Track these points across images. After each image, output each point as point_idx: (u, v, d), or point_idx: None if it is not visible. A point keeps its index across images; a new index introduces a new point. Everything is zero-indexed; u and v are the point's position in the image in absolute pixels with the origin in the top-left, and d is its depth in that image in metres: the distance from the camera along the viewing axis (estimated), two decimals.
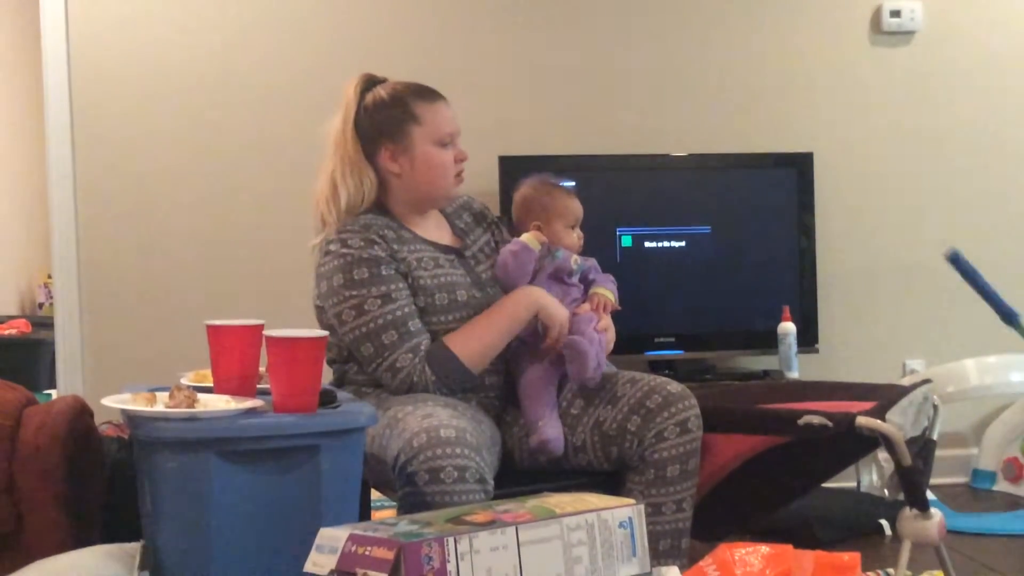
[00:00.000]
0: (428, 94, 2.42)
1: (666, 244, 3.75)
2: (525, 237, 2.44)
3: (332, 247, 2.31)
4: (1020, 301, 4.03)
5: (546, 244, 2.47)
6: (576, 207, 2.52)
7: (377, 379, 2.31)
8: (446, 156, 2.39)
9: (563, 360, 2.36)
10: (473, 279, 2.42)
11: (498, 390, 2.41)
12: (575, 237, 2.51)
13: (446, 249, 2.43)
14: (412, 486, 2.01)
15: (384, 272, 2.28)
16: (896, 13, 3.95)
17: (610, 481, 2.34)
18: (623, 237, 3.71)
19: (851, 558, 2.04)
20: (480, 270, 2.46)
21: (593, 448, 2.34)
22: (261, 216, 3.68)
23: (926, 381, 2.51)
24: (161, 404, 1.89)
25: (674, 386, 2.32)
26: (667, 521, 2.28)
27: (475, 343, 2.31)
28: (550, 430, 2.31)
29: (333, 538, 1.56)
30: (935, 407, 2.51)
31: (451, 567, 1.49)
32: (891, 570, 2.84)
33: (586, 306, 2.44)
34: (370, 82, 2.43)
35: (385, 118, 2.38)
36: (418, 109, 2.38)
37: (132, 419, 1.90)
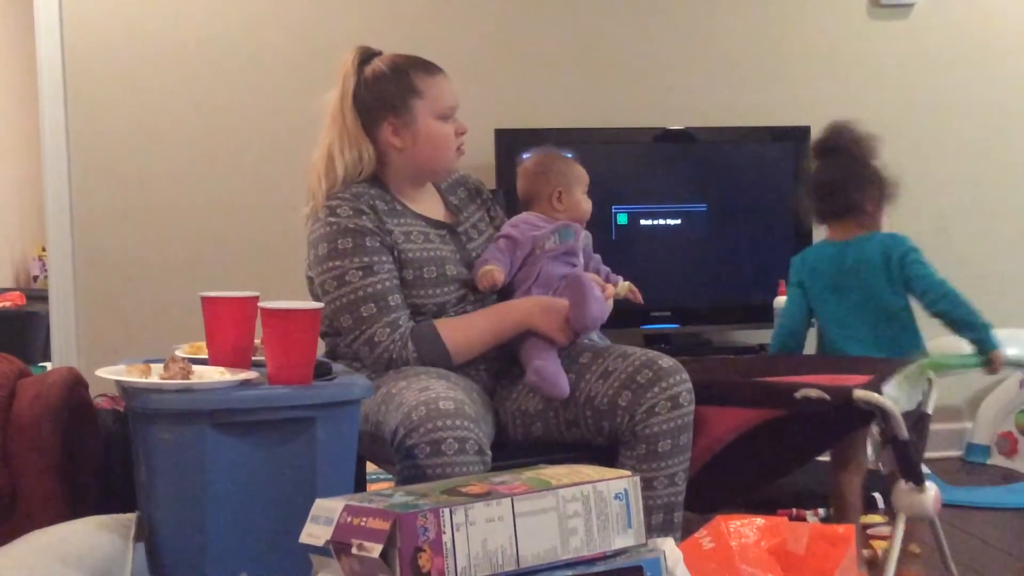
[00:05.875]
0: (428, 67, 2.40)
1: (662, 222, 3.74)
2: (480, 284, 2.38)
3: (321, 215, 2.31)
4: (1016, 273, 4.04)
5: (560, 225, 2.44)
6: (586, 174, 2.54)
7: (355, 352, 2.30)
8: (447, 130, 2.38)
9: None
10: (463, 255, 2.41)
11: (488, 363, 2.40)
12: (589, 204, 2.51)
13: (438, 224, 2.42)
14: (412, 459, 2.01)
15: (368, 244, 2.27)
16: None
17: (606, 453, 2.33)
18: (619, 215, 3.70)
19: (846, 530, 2.05)
20: (472, 247, 2.44)
21: (585, 423, 2.33)
22: (257, 188, 3.67)
23: (922, 354, 2.51)
24: (156, 376, 1.88)
25: (665, 360, 2.30)
26: (660, 495, 2.27)
27: (465, 339, 2.31)
28: (541, 361, 2.29)
29: (329, 509, 1.56)
30: (930, 381, 2.51)
31: (446, 538, 1.49)
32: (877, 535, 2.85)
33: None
34: (367, 54, 2.41)
35: (387, 91, 2.36)
36: (420, 82, 2.36)
37: (127, 391, 1.90)
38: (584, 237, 2.50)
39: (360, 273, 2.26)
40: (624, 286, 2.49)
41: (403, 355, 2.26)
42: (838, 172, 2.82)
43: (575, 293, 2.31)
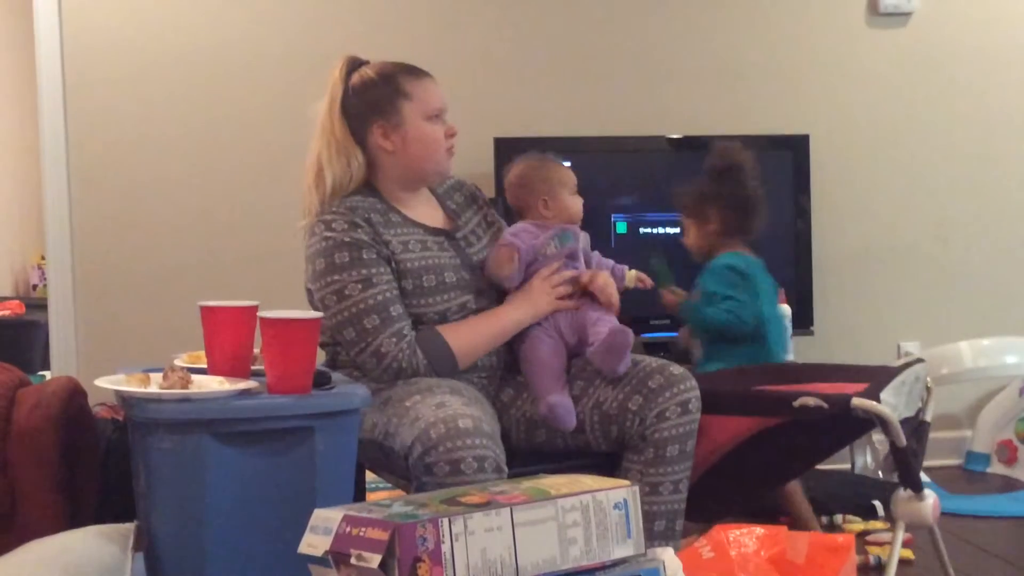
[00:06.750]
0: (415, 71, 2.42)
1: (661, 230, 3.73)
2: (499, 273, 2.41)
3: (317, 230, 2.31)
4: (1016, 281, 4.04)
5: (557, 231, 2.46)
6: (571, 173, 2.55)
7: (360, 364, 2.30)
8: (437, 131, 2.39)
9: (570, 338, 2.39)
10: (463, 261, 2.41)
11: (491, 371, 2.40)
12: (579, 203, 2.52)
13: (435, 231, 2.42)
14: (431, 476, 2.01)
15: (365, 256, 2.27)
16: None
17: (605, 463, 2.34)
18: (618, 224, 3.70)
19: (845, 539, 2.05)
20: (471, 252, 2.45)
21: (592, 428, 2.34)
22: (256, 196, 3.67)
23: (918, 360, 2.51)
24: (155, 385, 1.88)
25: (675, 368, 2.33)
26: (664, 502, 2.28)
27: (469, 343, 2.32)
28: (558, 398, 2.31)
29: (327, 519, 1.56)
30: (928, 388, 2.51)
31: (445, 548, 1.49)
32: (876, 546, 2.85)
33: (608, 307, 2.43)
34: (355, 63, 2.43)
35: (375, 96, 2.37)
36: (407, 85, 2.38)
37: (126, 400, 1.90)
38: (583, 238, 2.51)
39: (360, 286, 2.26)
40: (632, 276, 2.56)
41: (413, 363, 2.26)
42: (756, 193, 2.95)
43: (615, 348, 2.31)
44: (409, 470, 2.08)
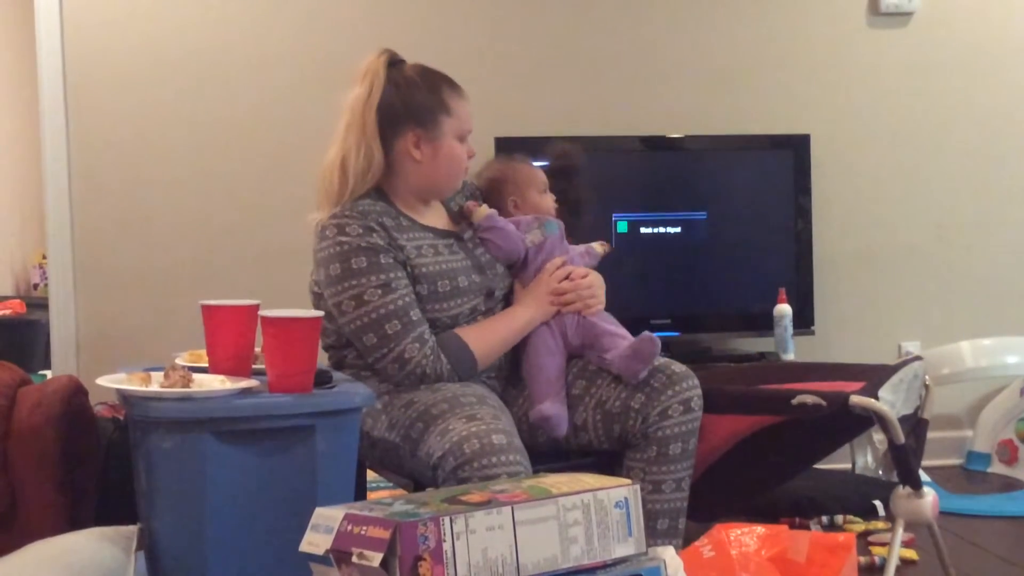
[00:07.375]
0: (457, 87, 2.40)
1: (662, 230, 3.74)
2: (476, 217, 2.44)
3: (328, 233, 2.27)
4: (1014, 284, 4.04)
5: (540, 219, 2.47)
6: (539, 172, 2.56)
7: (380, 370, 2.29)
8: (463, 152, 2.39)
9: (574, 339, 2.39)
10: (473, 263, 2.41)
11: (499, 371, 2.42)
12: (550, 200, 2.54)
13: (444, 234, 2.42)
14: None
15: (383, 261, 2.26)
16: None
17: (606, 462, 2.34)
18: (619, 223, 3.70)
19: (846, 539, 2.05)
20: (479, 253, 2.45)
21: (594, 427, 2.34)
22: (257, 196, 3.67)
23: (916, 358, 2.51)
24: (156, 384, 1.88)
25: (677, 366, 2.33)
26: (667, 500, 2.28)
27: (487, 346, 2.33)
28: (552, 408, 2.32)
29: (329, 518, 1.56)
30: (926, 386, 2.51)
31: (447, 547, 1.49)
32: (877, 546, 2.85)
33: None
34: (395, 58, 2.39)
35: (418, 101, 2.34)
36: (451, 100, 2.36)
37: (127, 399, 1.90)
38: (562, 226, 2.53)
39: (379, 291, 2.24)
40: (598, 246, 2.58)
41: (437, 368, 2.26)
42: (589, 196, 2.94)
43: (641, 355, 2.31)
44: (435, 480, 2.08)
